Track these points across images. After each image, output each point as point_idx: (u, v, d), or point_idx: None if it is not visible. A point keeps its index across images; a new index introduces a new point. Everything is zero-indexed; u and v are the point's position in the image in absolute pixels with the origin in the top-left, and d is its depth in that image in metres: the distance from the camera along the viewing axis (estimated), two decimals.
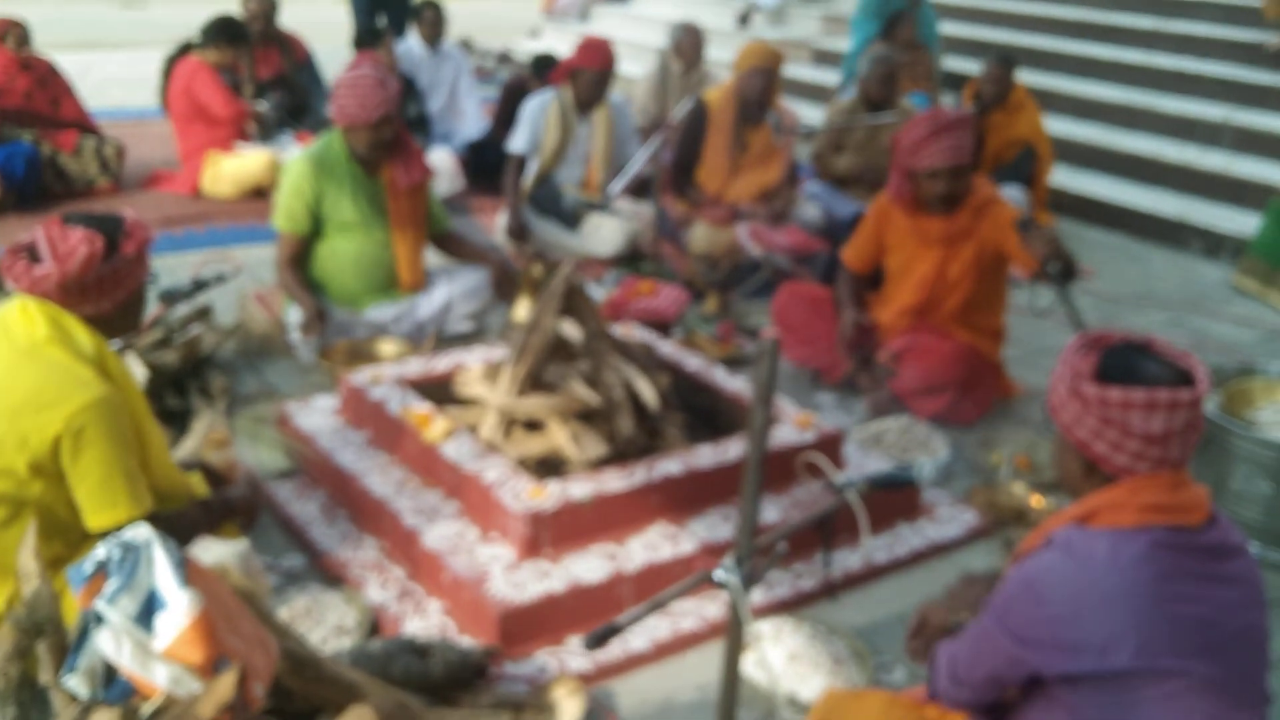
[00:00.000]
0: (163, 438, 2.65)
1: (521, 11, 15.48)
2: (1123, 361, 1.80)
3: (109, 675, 1.70)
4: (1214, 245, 6.12)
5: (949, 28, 9.18)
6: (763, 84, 5.35)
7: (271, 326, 4.34)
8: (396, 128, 4.22)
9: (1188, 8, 8.27)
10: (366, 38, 6.56)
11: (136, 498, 2.35)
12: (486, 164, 6.59)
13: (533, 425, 3.15)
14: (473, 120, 7.24)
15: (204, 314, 4.12)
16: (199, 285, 3.97)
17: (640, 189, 5.80)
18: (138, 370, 3.50)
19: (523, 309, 4.37)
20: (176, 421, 3.57)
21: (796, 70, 9.22)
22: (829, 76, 9.12)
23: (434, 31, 7.17)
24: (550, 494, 2.79)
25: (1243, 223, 6.10)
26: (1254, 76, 7.27)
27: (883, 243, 4.06)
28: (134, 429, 2.43)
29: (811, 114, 8.34)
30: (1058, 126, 7.17)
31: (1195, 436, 1.79)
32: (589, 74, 5.41)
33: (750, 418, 1.59)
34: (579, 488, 2.84)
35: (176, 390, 3.76)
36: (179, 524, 2.44)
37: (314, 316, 4.11)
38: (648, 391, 3.16)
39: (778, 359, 1.58)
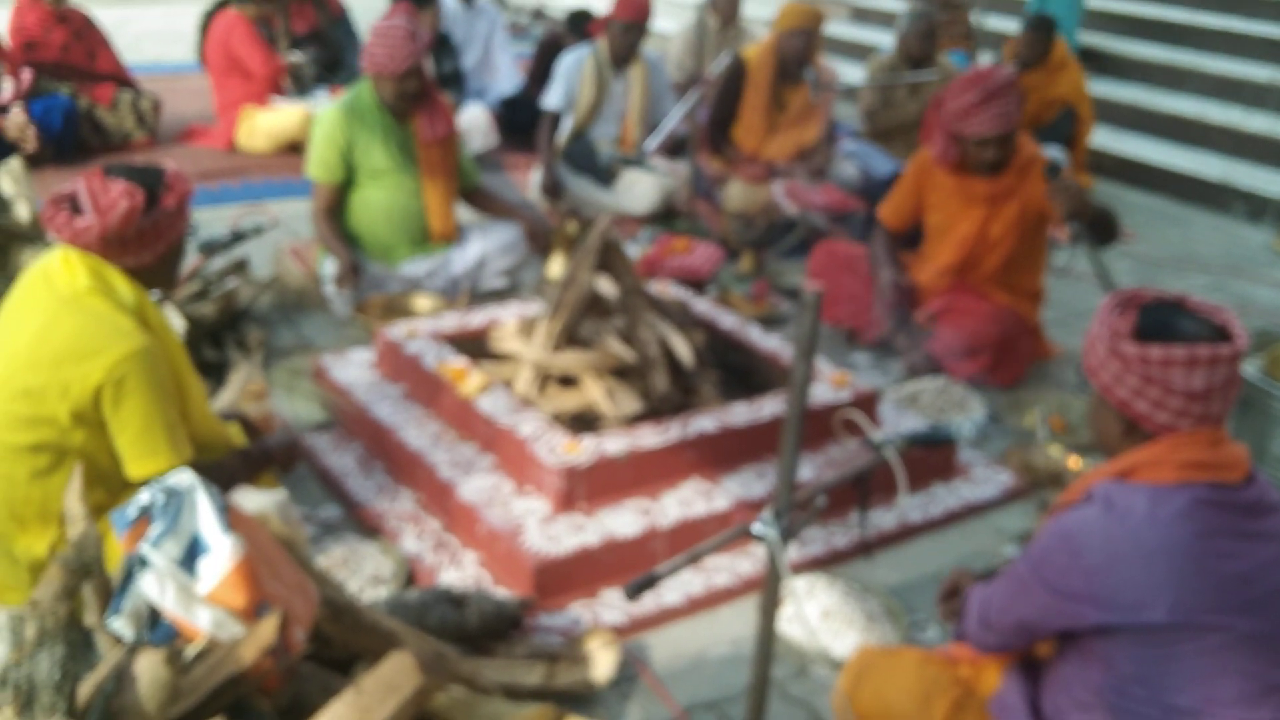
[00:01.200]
0: (202, 389, 2.67)
1: None
2: (1161, 319, 1.79)
3: (153, 618, 1.73)
4: (1258, 209, 6.01)
5: None
6: (802, 44, 5.30)
7: (307, 280, 4.35)
8: (423, 81, 4.21)
9: None
10: None
11: (176, 447, 2.37)
12: (521, 120, 6.56)
13: (568, 381, 3.16)
14: (507, 76, 7.20)
15: (240, 267, 4.14)
16: (237, 236, 3.99)
17: (676, 146, 5.76)
18: (176, 322, 3.52)
19: (557, 265, 4.39)
20: (214, 373, 3.60)
21: (835, 28, 9.08)
22: (868, 34, 9.01)
23: None
24: (585, 449, 2.79)
25: None
26: None
27: (924, 201, 4.01)
28: (174, 379, 2.45)
29: (850, 72, 8.23)
30: (1100, 87, 7.06)
31: (1234, 392, 1.78)
32: (622, 24, 5.36)
33: (792, 372, 1.58)
34: (614, 443, 2.84)
35: (214, 342, 3.79)
36: (218, 473, 2.46)
37: (349, 269, 4.12)
38: (683, 349, 3.15)
39: (819, 314, 1.57)
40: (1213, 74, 7.04)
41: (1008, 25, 7.80)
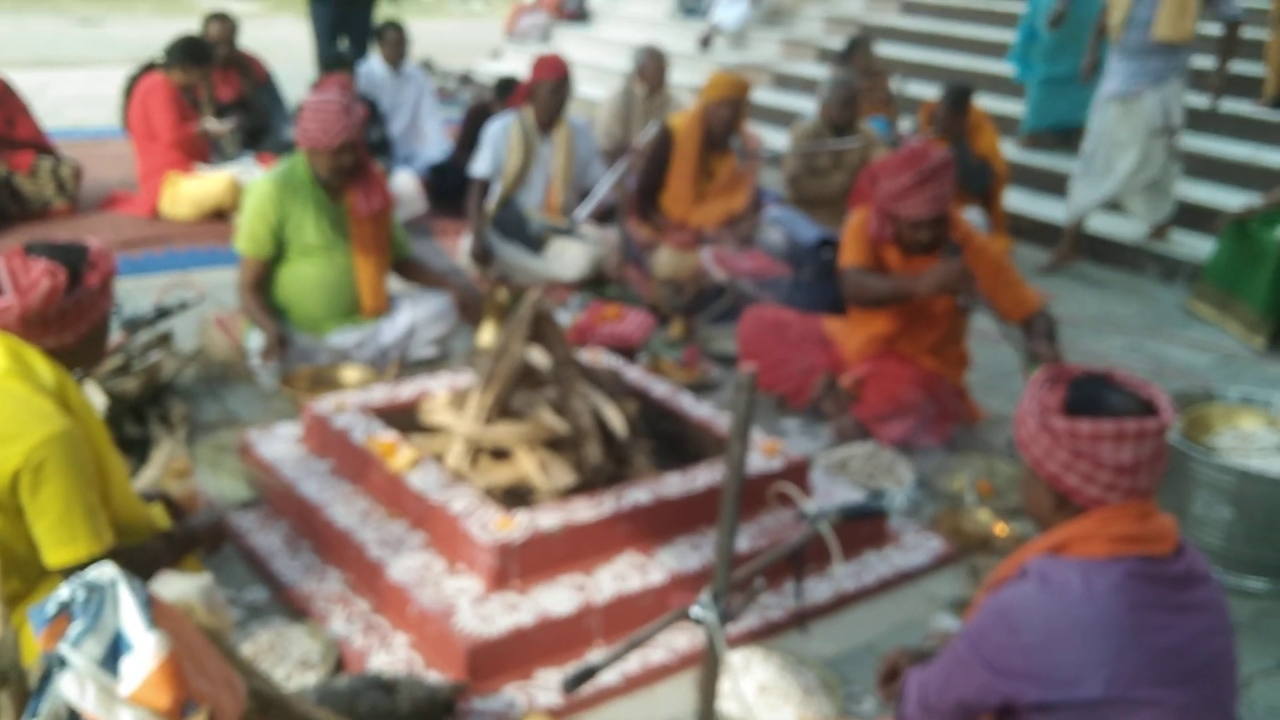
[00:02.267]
0: (124, 469, 2.60)
1: (483, 33, 15.50)
2: (1089, 394, 1.83)
3: None
4: (1170, 270, 6.21)
5: (907, 53, 9.30)
6: (729, 115, 5.39)
7: (233, 352, 4.29)
8: (359, 154, 4.20)
9: None
10: (333, 62, 6.52)
11: (97, 533, 2.30)
12: (449, 186, 6.57)
13: (500, 453, 3.13)
14: (435, 142, 7.22)
15: (164, 340, 4.06)
16: (162, 313, 3.92)
17: (605, 213, 5.81)
18: (97, 398, 3.44)
19: (487, 334, 4.37)
20: (136, 450, 3.52)
21: (758, 94, 9.25)
22: (790, 100, 9.20)
23: (396, 53, 7.15)
24: (518, 524, 2.77)
25: (1196, 247, 6.21)
26: (1202, 103, 7.39)
27: (878, 258, 4.00)
28: (95, 462, 2.39)
29: (773, 138, 8.38)
30: (1015, 151, 7.27)
31: (1162, 465, 1.83)
32: (545, 85, 5.41)
33: (728, 454, 1.59)
34: (548, 518, 2.82)
35: (136, 418, 3.70)
36: (141, 558, 2.40)
37: (275, 342, 4.07)
38: (616, 419, 3.15)
39: (755, 395, 1.58)
40: None
41: (926, 91, 8.01)
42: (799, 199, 6.07)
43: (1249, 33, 7.73)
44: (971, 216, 6.20)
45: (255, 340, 4.14)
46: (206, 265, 5.51)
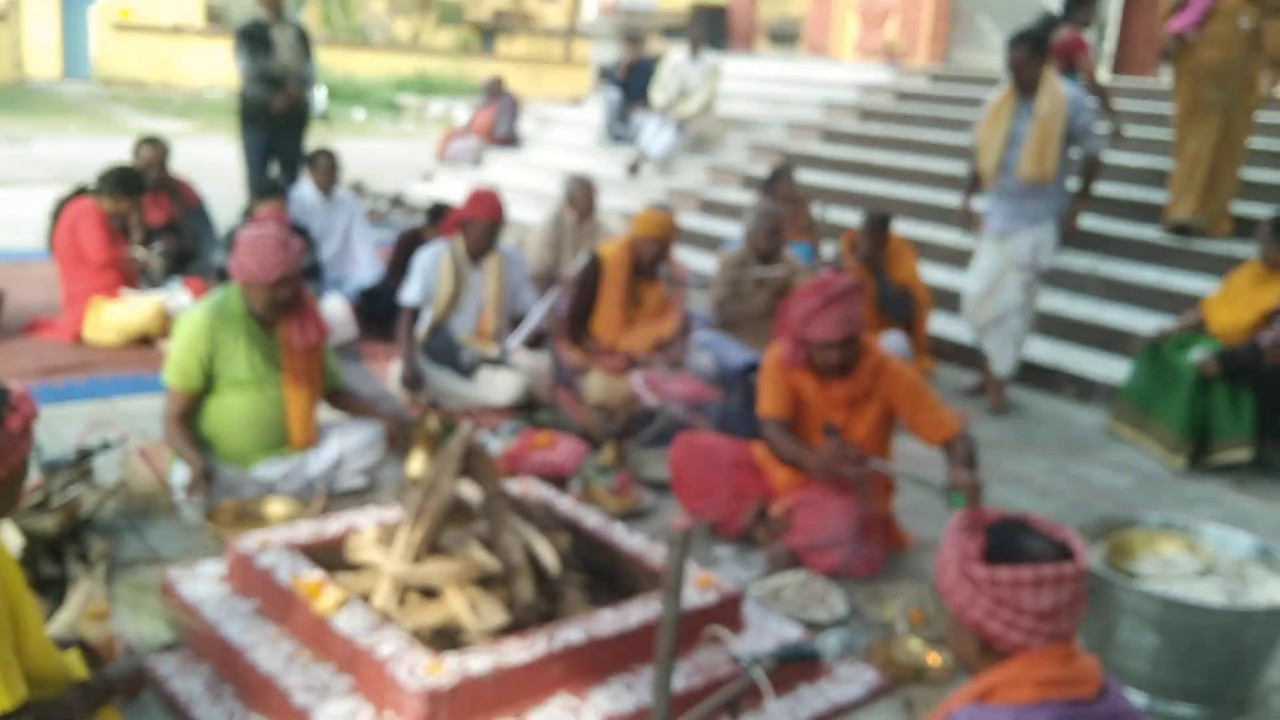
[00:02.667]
0: (39, 616, 2.52)
1: (414, 153, 15.71)
2: (1006, 540, 1.88)
3: None
4: (1087, 390, 6.39)
5: (827, 179, 9.60)
6: (657, 249, 5.53)
7: (155, 485, 4.20)
8: (296, 287, 4.21)
9: None
10: (264, 189, 6.54)
11: (9, 686, 2.22)
12: (380, 310, 6.58)
13: (429, 592, 3.09)
14: (366, 266, 7.25)
15: (85, 474, 3.97)
16: (84, 455, 3.85)
17: (537, 338, 5.86)
18: (12, 538, 3.34)
19: (417, 464, 4.33)
20: (53, 590, 3.40)
21: (683, 219, 9.46)
22: (716, 225, 9.41)
23: (327, 179, 7.22)
24: (448, 669, 2.72)
25: (1112, 368, 6.40)
26: (1115, 228, 7.72)
27: (795, 397, 4.08)
28: (7, 611, 2.31)
29: (700, 261, 8.56)
30: (934, 275, 7.48)
31: (1081, 607, 1.87)
32: (479, 224, 5.50)
33: (661, 616, 1.59)
34: (478, 661, 2.77)
35: (53, 556, 3.59)
36: (56, 712, 2.31)
37: (201, 476, 3.99)
38: (547, 555, 3.13)
39: (688, 551, 1.59)
40: None
41: (847, 217, 8.27)
42: (726, 323, 6.18)
43: (1158, 162, 8.15)
44: (894, 340, 6.36)
45: (180, 474, 4.06)
46: (131, 393, 5.43)
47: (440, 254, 5.56)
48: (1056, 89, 5.68)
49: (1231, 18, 6.95)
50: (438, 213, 7.00)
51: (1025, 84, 5.71)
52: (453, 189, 11.94)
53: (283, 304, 4.15)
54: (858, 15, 13.09)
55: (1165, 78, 8.21)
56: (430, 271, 5.53)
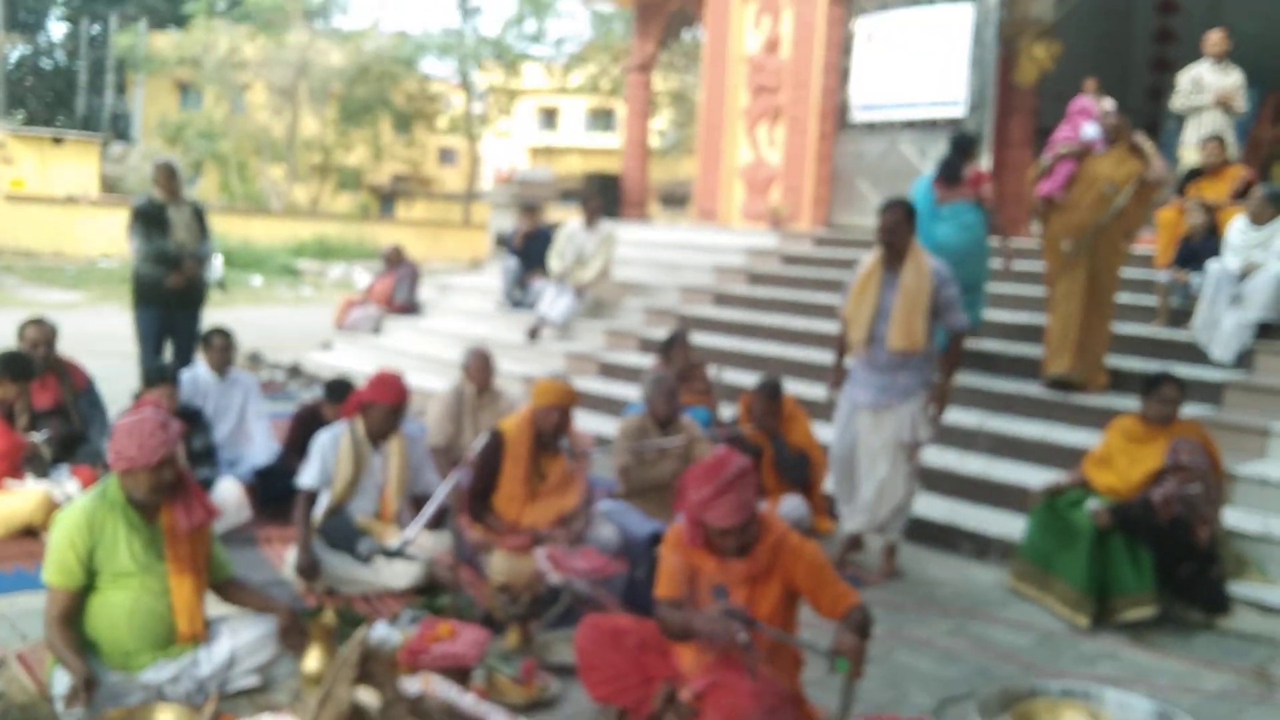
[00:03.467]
0: None
1: (314, 321, 15.67)
2: None
3: None
4: (983, 548, 6.51)
5: (722, 342, 9.82)
6: (558, 418, 5.56)
7: (35, 695, 4.00)
8: (177, 470, 4.13)
9: None
10: (154, 375, 6.41)
11: None
12: (276, 490, 6.46)
13: None
14: (261, 446, 7.14)
15: None
16: None
17: (438, 516, 5.78)
18: None
19: (313, 660, 4.21)
20: None
21: (584, 383, 9.58)
22: (615, 389, 9.51)
23: (222, 359, 7.15)
24: None
25: (1007, 524, 6.54)
26: (998, 385, 8.01)
27: (694, 577, 4.10)
28: None
29: (600, 424, 8.62)
30: (828, 434, 7.62)
31: None
32: (381, 408, 5.49)
33: None
34: None
35: None
36: None
37: (82, 685, 3.81)
38: None
39: None
40: None
41: (742, 378, 8.44)
42: (630, 492, 6.20)
43: (1035, 318, 8.52)
44: (793, 504, 6.45)
45: (61, 682, 3.88)
46: (12, 590, 5.20)
47: (340, 436, 5.52)
48: (922, 260, 5.90)
49: (1094, 183, 7.42)
50: (336, 388, 6.96)
51: (895, 250, 5.90)
52: (352, 358, 11.93)
53: (166, 486, 4.07)
54: (743, 182, 13.62)
55: (1036, 238, 8.65)
56: (329, 454, 5.47)
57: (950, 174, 8.38)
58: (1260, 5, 15.15)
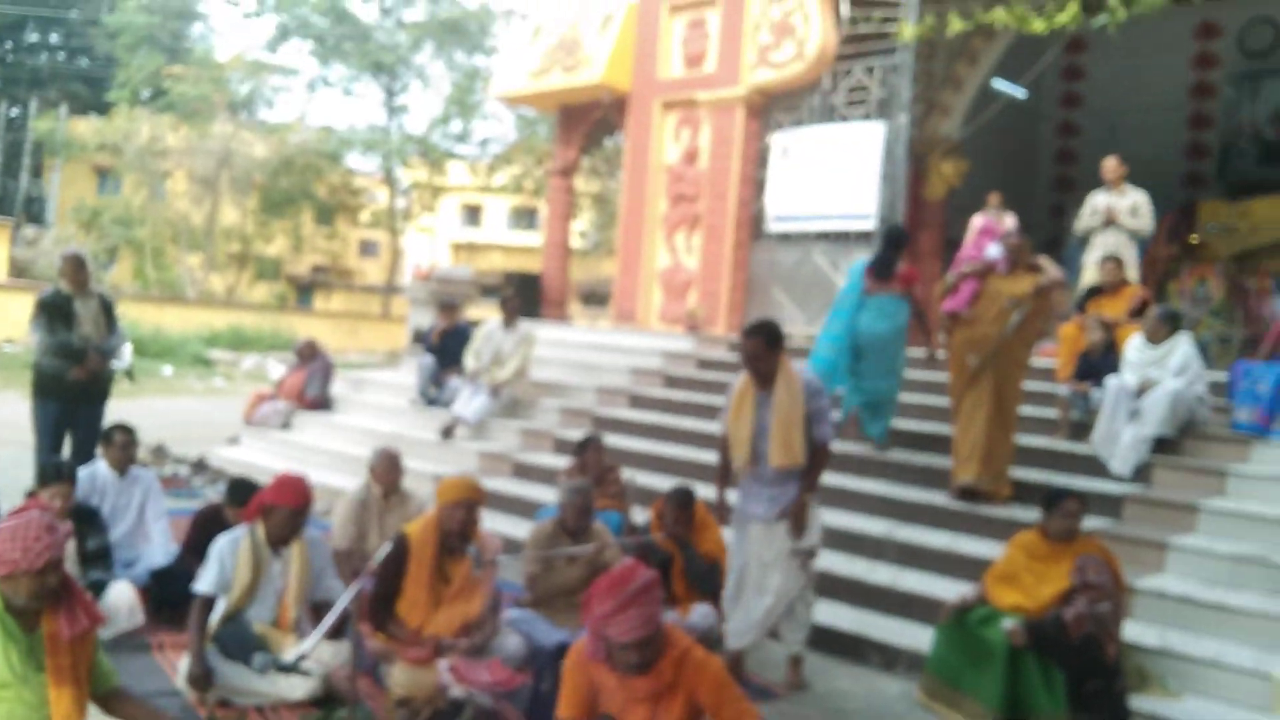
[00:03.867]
0: None
1: (224, 413, 15.36)
2: None
3: None
4: (891, 659, 6.52)
5: (636, 444, 9.84)
6: (464, 516, 5.49)
7: None
8: (62, 574, 3.99)
9: None
10: (49, 473, 6.21)
11: None
12: (173, 593, 6.24)
13: None
14: (159, 546, 6.93)
15: None
16: None
17: (338, 625, 5.64)
18: None
19: None
20: None
21: (497, 484, 9.50)
22: (529, 490, 9.44)
23: (123, 456, 6.97)
24: None
25: (915, 635, 6.55)
26: (906, 494, 8.12)
27: (595, 696, 4.06)
28: None
29: (513, 526, 8.54)
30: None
31: None
32: (283, 511, 5.39)
33: None
34: None
35: None
36: None
37: None
38: None
39: None
40: (835, 529, 7.77)
41: (656, 481, 8.45)
42: (538, 600, 6.13)
43: (941, 428, 8.69)
44: (703, 612, 6.42)
45: None
46: None
47: (239, 540, 5.39)
48: (792, 376, 5.95)
49: (997, 300, 7.68)
50: (238, 489, 6.80)
51: (763, 377, 5.95)
52: (259, 453, 11.71)
53: (50, 591, 3.92)
54: (661, 286, 13.82)
55: (942, 351, 8.88)
56: (228, 559, 5.34)
57: (881, 269, 8.74)
58: (1153, 131, 15.99)
